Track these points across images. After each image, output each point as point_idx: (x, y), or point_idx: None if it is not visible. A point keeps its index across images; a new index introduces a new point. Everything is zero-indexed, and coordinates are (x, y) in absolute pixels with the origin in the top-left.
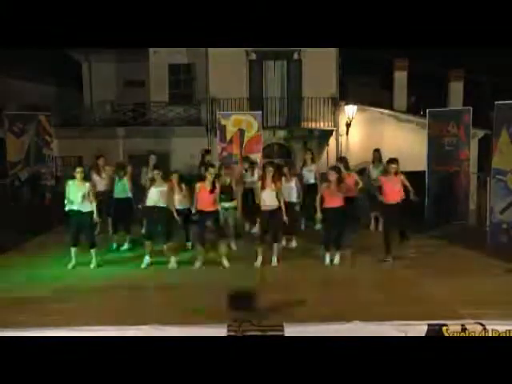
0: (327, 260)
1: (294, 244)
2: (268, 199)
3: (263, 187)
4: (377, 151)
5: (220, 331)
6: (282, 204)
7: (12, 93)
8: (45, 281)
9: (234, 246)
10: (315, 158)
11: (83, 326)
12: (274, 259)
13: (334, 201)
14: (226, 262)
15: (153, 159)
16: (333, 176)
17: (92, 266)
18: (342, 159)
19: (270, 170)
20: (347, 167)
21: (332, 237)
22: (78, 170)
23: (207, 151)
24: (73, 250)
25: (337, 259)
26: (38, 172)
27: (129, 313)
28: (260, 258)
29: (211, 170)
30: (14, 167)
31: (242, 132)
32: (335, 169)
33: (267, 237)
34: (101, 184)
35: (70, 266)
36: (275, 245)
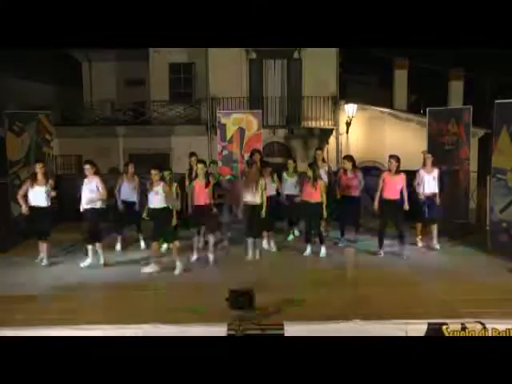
0: (307, 251)
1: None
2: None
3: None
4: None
5: (220, 331)
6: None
7: (12, 92)
8: (45, 280)
9: (225, 243)
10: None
11: (83, 325)
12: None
13: (312, 195)
14: (211, 257)
15: (193, 161)
16: (309, 172)
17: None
18: (348, 157)
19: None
20: (354, 165)
21: (312, 230)
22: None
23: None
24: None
25: (322, 252)
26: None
27: (129, 312)
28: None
29: (201, 165)
30: (14, 166)
31: (242, 131)
32: (311, 166)
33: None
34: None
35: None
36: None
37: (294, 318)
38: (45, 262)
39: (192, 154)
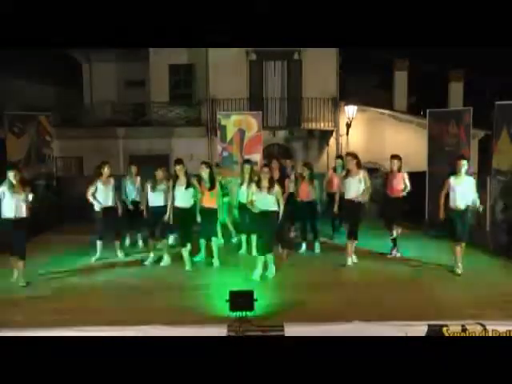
0: (302, 249)
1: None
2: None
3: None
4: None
5: (220, 331)
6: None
7: (12, 93)
8: (44, 280)
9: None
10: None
11: (83, 326)
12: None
13: (305, 194)
14: (216, 262)
15: (178, 169)
16: (305, 171)
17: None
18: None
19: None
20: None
21: (306, 227)
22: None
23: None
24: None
25: (317, 249)
26: (38, 172)
27: (129, 312)
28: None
29: (205, 168)
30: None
31: (242, 132)
32: (306, 165)
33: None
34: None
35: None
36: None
37: (293, 318)
38: (22, 282)
39: (177, 162)
